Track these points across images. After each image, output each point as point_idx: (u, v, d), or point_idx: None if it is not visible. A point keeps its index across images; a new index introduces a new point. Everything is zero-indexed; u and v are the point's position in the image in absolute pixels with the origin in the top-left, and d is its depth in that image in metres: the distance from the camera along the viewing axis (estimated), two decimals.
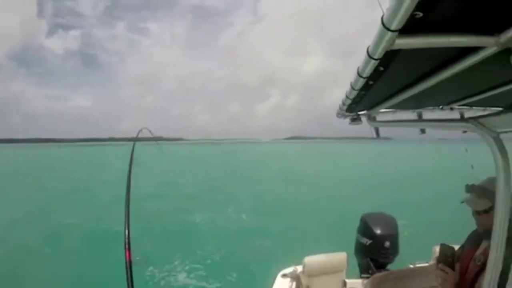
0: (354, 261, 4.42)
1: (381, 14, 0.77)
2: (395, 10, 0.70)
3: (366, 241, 4.29)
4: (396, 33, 0.78)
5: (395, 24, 0.74)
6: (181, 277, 10.41)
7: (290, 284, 4.25)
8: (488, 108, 2.33)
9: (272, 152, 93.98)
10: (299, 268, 4.40)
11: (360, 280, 4.23)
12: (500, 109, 2.11)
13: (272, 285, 4.36)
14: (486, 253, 1.69)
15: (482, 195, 1.87)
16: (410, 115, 2.39)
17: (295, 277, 4.35)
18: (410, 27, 0.76)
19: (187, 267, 10.57)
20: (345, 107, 2.00)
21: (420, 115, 2.38)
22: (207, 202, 19.70)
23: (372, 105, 2.14)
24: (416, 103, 2.14)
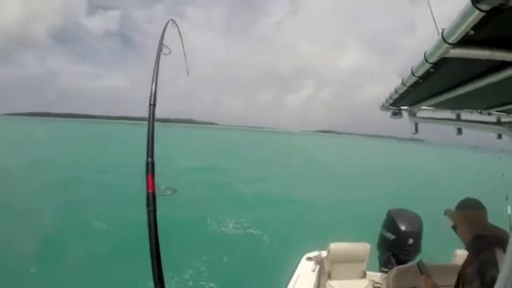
0: (375, 254, 4.42)
1: (436, 29, 1.06)
2: (454, 28, 0.92)
3: (390, 236, 4.27)
4: (451, 46, 0.99)
5: (452, 39, 0.96)
6: (230, 227, 12.58)
7: (314, 267, 4.42)
8: None
9: (303, 144, 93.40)
10: (324, 253, 4.54)
11: (379, 274, 4.30)
12: None
13: (297, 266, 4.52)
14: (465, 262, 2.03)
15: (449, 215, 2.25)
16: (449, 115, 2.48)
17: (319, 261, 4.49)
18: (463, 42, 0.96)
19: (234, 221, 12.71)
20: (391, 100, 2.16)
21: (458, 116, 2.49)
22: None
23: (415, 102, 2.27)
24: (457, 104, 2.26)
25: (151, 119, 1.97)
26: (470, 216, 2.12)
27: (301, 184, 22.60)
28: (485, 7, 0.77)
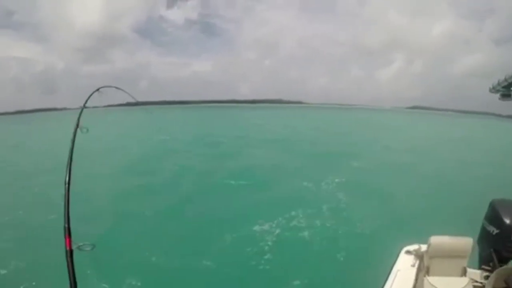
0: (475, 249, 4.09)
1: None
2: None
3: (493, 229, 3.93)
4: None
5: None
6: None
7: (413, 262, 4.22)
8: None
9: (396, 123, 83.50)
10: (423, 247, 4.33)
11: (479, 271, 4.01)
12: None
13: (396, 259, 4.37)
14: None
15: None
16: None
17: (419, 255, 4.30)
18: None
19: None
20: (505, 83, 2.15)
21: None
22: None
23: None
24: None
25: (66, 197, 2.08)
26: None
27: (401, 169, 21.80)
28: None
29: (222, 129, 51.58)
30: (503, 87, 2.44)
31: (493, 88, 2.62)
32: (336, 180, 18.08)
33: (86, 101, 3.56)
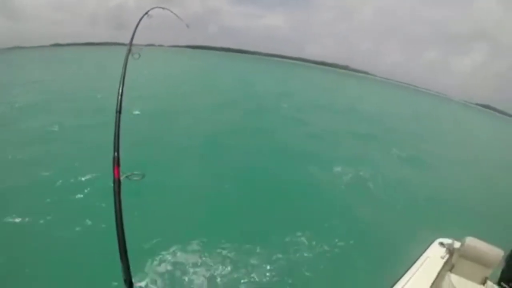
0: (501, 264, 4.07)
1: None
2: None
3: None
4: None
5: None
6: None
7: (444, 254, 4.27)
8: None
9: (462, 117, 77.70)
10: (456, 244, 4.40)
11: (497, 287, 3.98)
12: None
13: (427, 247, 4.48)
14: None
15: None
16: None
17: (450, 250, 4.36)
18: None
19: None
20: None
21: None
22: None
23: None
24: None
25: (117, 126, 2.12)
26: None
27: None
28: None
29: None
30: None
31: None
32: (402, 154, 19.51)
33: (138, 24, 3.52)
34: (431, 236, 4.75)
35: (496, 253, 3.88)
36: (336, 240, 8.72)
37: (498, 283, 3.97)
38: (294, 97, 38.25)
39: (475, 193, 15.45)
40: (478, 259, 3.94)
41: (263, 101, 31.49)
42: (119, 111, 2.27)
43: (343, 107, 36.29)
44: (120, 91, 2.43)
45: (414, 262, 4.03)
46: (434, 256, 4.20)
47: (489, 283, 3.97)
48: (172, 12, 5.15)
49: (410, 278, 3.65)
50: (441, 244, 4.47)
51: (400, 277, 3.68)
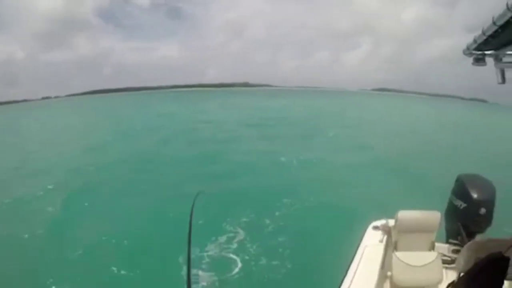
0: (442, 224, 4.14)
1: None
2: None
3: (461, 204, 4.02)
4: None
5: None
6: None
7: (381, 237, 4.20)
8: None
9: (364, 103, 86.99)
10: (391, 222, 4.26)
11: (446, 245, 4.14)
12: None
13: (363, 235, 4.32)
14: None
15: None
16: None
17: (386, 230, 4.28)
18: None
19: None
20: (475, 45, 2.02)
21: None
22: None
23: (502, 45, 2.08)
24: None
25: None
26: None
27: (364, 144, 22.54)
28: None
29: None
30: (474, 49, 2.23)
31: (467, 49, 2.41)
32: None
33: None
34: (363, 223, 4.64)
35: (433, 216, 3.91)
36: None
37: (447, 242, 4.18)
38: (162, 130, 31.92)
39: (389, 167, 16.41)
40: (417, 228, 3.95)
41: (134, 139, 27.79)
42: None
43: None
44: None
45: (354, 255, 3.86)
46: (372, 242, 4.13)
47: (437, 245, 4.04)
48: None
49: (355, 274, 3.46)
50: (375, 227, 4.41)
51: (344, 277, 3.45)
